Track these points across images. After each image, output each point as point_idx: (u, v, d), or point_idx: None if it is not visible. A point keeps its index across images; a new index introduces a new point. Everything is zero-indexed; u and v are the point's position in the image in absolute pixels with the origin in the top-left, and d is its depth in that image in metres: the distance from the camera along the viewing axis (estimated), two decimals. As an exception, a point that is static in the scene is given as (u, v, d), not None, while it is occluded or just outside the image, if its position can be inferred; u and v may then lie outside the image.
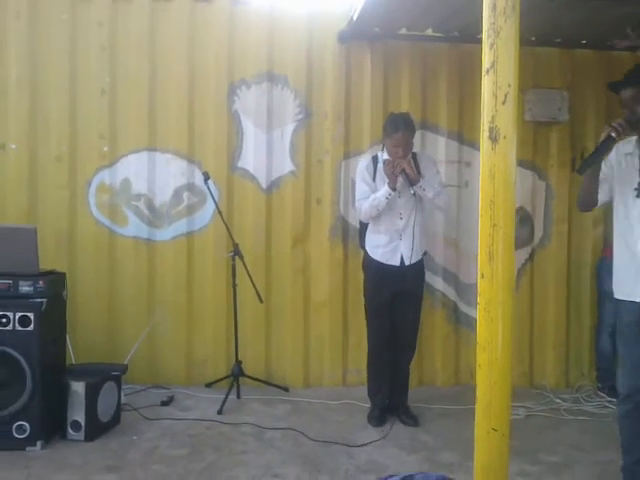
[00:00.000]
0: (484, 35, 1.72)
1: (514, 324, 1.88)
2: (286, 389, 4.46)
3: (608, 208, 4.71)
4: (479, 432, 1.87)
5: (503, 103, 1.69)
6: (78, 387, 3.47)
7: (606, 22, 3.99)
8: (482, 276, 1.79)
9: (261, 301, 4.26)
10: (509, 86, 1.68)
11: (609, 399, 4.44)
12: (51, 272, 3.64)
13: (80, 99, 4.43)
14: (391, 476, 2.70)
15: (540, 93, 4.66)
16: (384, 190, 3.74)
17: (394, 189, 3.72)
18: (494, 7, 1.65)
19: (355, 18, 4.09)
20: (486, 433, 1.83)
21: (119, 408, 3.76)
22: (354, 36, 4.45)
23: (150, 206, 4.53)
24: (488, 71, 1.70)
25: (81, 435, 3.46)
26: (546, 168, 4.78)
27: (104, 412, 3.60)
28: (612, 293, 4.47)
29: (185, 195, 4.55)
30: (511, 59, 1.67)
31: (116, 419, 3.72)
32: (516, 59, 1.69)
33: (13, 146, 4.42)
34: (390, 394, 3.98)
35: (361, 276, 4.11)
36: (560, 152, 4.77)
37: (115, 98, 4.44)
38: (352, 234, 4.51)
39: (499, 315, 1.77)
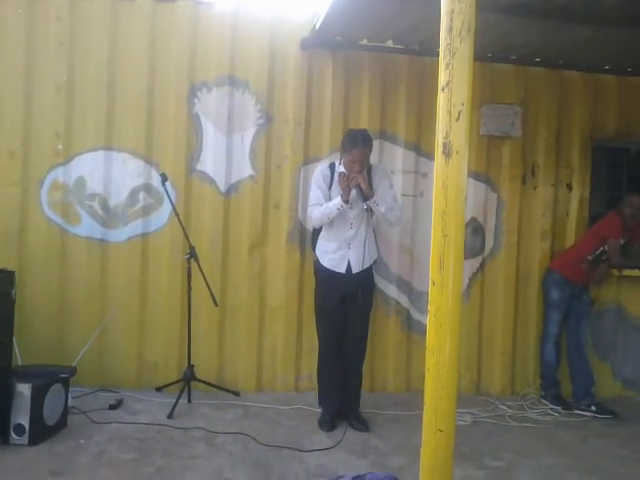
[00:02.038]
0: (440, 55, 1.79)
1: (463, 332, 1.95)
2: (237, 394, 4.44)
3: (558, 220, 4.97)
4: (426, 433, 1.94)
5: (457, 120, 1.76)
6: (24, 389, 3.38)
7: (557, 42, 4.16)
8: (433, 283, 1.86)
9: (216, 304, 4.22)
10: (462, 104, 1.76)
11: (552, 407, 4.61)
12: (0, 270, 3.54)
13: (36, 95, 4.33)
14: (341, 477, 2.75)
15: (495, 108, 4.82)
16: (336, 202, 3.79)
17: (346, 202, 3.78)
18: (450, 29, 1.72)
19: (318, 26, 4.13)
20: (433, 434, 1.90)
21: (66, 411, 3.68)
22: (316, 44, 4.50)
23: (105, 206, 4.45)
24: (443, 89, 1.77)
25: (25, 439, 3.36)
26: (498, 181, 4.92)
27: (50, 415, 3.51)
28: (557, 303, 4.69)
29: (141, 196, 4.49)
30: (465, 78, 1.74)
31: (62, 422, 3.64)
32: (470, 78, 1.77)
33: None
34: (342, 400, 4.02)
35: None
36: (512, 166, 4.93)
37: (72, 95, 4.36)
38: (309, 240, 4.53)
39: (448, 321, 1.84)
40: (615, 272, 4.84)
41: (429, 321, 1.88)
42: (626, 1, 3.28)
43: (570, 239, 4.99)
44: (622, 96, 5.04)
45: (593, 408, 4.53)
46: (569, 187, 5.03)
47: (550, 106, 4.96)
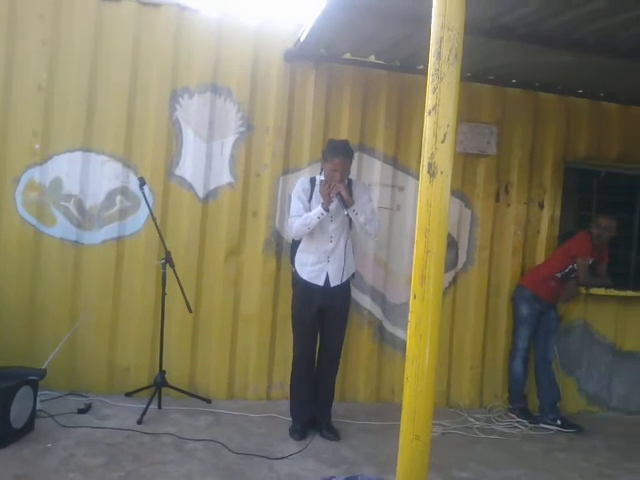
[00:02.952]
0: (428, 79, 1.86)
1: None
2: (208, 400, 4.43)
3: (529, 237, 5.08)
4: (403, 440, 1.99)
5: (442, 142, 1.83)
6: (-9, 391, 3.33)
7: (536, 65, 4.28)
8: (414, 297, 1.92)
9: (190, 311, 4.21)
10: (448, 126, 1.83)
11: (518, 420, 4.71)
12: (-29, 270, 3.49)
13: (15, 93, 4.26)
14: (333, 477, 2.78)
15: (472, 127, 4.93)
16: (317, 210, 3.84)
17: (327, 210, 3.83)
18: (439, 55, 1.80)
19: (303, 39, 4.18)
20: (410, 441, 1.96)
21: (34, 414, 3.62)
22: (300, 56, 4.54)
23: (80, 208, 4.41)
24: (430, 112, 1.84)
25: (-10, 442, 3.31)
26: (473, 198, 5.02)
27: (17, 418, 3.46)
28: (526, 319, 4.80)
29: (118, 199, 4.46)
30: (451, 102, 1.82)
31: (30, 426, 3.58)
32: (456, 102, 1.84)
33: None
34: (313, 410, 4.04)
35: (291, 291, 4.17)
36: (486, 183, 5.03)
37: (52, 95, 4.31)
38: (286, 249, 4.56)
39: (428, 332, 1.91)
40: (582, 290, 4.97)
41: (409, 332, 1.94)
42: (603, 30, 3.41)
43: (540, 256, 5.12)
44: (594, 120, 5.19)
45: (558, 422, 4.64)
46: (541, 206, 5.16)
47: (525, 126, 5.09)
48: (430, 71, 1.85)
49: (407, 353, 1.97)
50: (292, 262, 4.13)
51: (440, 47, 1.79)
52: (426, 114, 1.85)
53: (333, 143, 3.95)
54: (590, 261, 4.81)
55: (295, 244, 4.10)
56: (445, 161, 1.84)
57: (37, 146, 4.31)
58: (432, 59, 1.83)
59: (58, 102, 4.33)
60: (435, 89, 1.80)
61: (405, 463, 1.98)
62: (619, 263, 5.33)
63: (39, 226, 4.35)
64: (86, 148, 4.39)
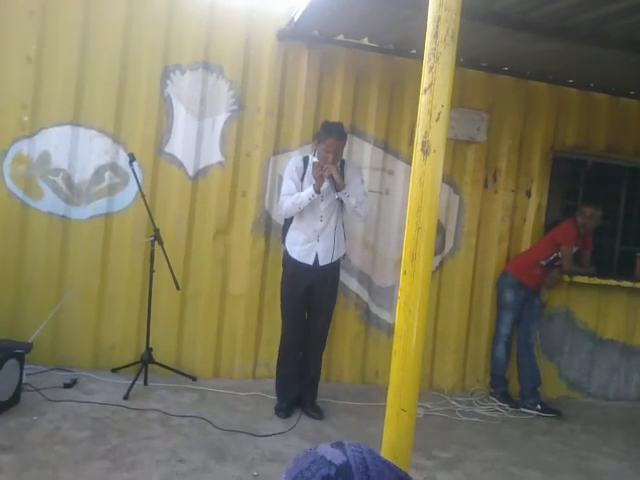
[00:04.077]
0: (425, 59, 1.88)
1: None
2: (194, 378, 4.46)
3: (516, 225, 5.14)
4: (390, 412, 2.03)
5: (436, 121, 1.85)
6: (-23, 363, 3.34)
7: (528, 53, 4.29)
8: (404, 273, 1.95)
9: (178, 288, 4.21)
10: (442, 106, 1.85)
11: (500, 404, 4.79)
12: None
13: (2, 64, 4.21)
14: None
15: (463, 112, 4.94)
16: (308, 191, 3.85)
17: (318, 192, 3.84)
18: (436, 35, 1.82)
19: (296, 19, 4.16)
20: (396, 414, 2.00)
21: (20, 387, 3.63)
22: (293, 36, 4.52)
23: (69, 182, 4.38)
24: (425, 91, 1.85)
25: (-25, 414, 3.33)
26: (461, 183, 5.05)
27: (3, 391, 3.47)
28: (510, 305, 4.86)
29: (107, 174, 4.43)
30: (446, 82, 1.84)
31: (15, 398, 3.59)
32: (451, 83, 1.86)
33: None
34: (299, 389, 4.09)
35: (280, 272, 4.19)
36: (475, 170, 5.06)
37: (41, 67, 4.26)
38: (275, 229, 4.58)
39: (417, 308, 1.94)
40: (566, 278, 5.04)
41: (398, 308, 1.98)
42: (596, 20, 3.43)
43: (526, 244, 5.17)
44: (583, 110, 5.23)
45: (539, 407, 4.73)
46: (528, 194, 5.21)
47: (515, 114, 5.12)
48: (426, 50, 1.87)
49: (396, 328, 2.01)
50: (283, 241, 4.14)
51: (437, 27, 1.81)
52: (421, 93, 1.87)
53: (327, 125, 3.96)
54: (575, 249, 4.87)
55: (287, 223, 4.12)
56: (439, 140, 1.86)
57: (26, 119, 4.27)
58: (429, 38, 1.84)
59: (48, 75, 4.28)
60: (431, 68, 1.82)
61: (391, 436, 2.02)
62: (603, 252, 5.40)
63: (26, 199, 4.31)
64: (75, 122, 4.35)
